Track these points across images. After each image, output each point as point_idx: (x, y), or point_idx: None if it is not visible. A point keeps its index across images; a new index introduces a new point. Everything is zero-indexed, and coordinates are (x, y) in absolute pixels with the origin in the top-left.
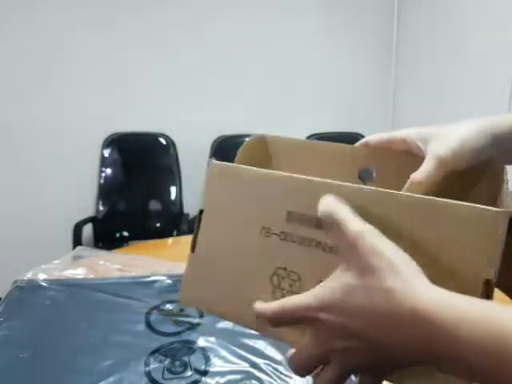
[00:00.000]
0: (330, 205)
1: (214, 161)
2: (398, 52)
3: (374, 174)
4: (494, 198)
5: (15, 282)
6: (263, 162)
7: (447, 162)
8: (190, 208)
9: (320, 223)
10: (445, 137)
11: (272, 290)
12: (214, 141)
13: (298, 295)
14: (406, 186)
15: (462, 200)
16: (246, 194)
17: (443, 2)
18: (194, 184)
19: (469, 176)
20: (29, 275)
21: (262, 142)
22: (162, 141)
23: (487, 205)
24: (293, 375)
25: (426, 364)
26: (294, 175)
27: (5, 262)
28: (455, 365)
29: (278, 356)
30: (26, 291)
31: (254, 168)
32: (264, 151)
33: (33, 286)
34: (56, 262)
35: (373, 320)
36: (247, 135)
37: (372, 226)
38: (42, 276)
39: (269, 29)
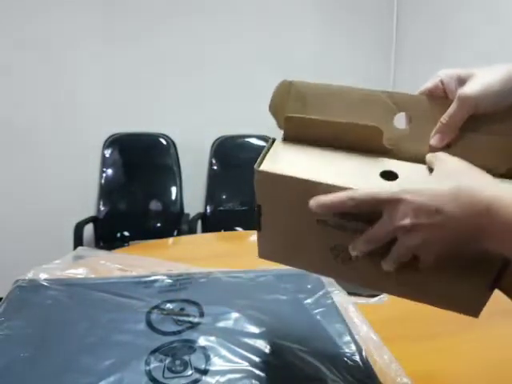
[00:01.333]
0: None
1: (258, 168)
2: (397, 52)
3: (410, 120)
4: None
5: (16, 281)
6: (296, 109)
7: (471, 103)
8: (190, 208)
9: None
10: (473, 80)
11: (333, 257)
12: (214, 141)
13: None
14: (436, 127)
15: (484, 141)
16: (294, 196)
17: (443, 2)
18: (194, 184)
19: (496, 118)
20: (30, 275)
21: (289, 88)
22: (163, 141)
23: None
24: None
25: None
26: (335, 183)
27: (5, 262)
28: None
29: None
30: (27, 291)
31: (297, 176)
32: (295, 98)
33: (34, 286)
34: (57, 261)
35: (451, 197)
36: (247, 135)
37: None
38: (43, 276)
39: (268, 29)
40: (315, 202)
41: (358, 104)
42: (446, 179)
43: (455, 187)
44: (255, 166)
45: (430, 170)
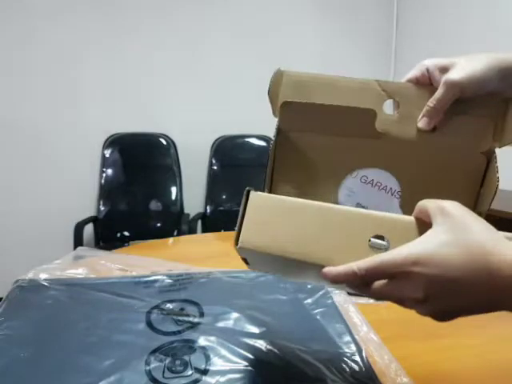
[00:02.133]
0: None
1: (237, 247)
2: (397, 52)
3: (398, 106)
4: (501, 124)
5: (16, 281)
6: (290, 97)
7: (456, 88)
8: (190, 208)
9: None
10: (457, 67)
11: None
12: (214, 141)
13: (387, 252)
14: (423, 111)
15: (468, 123)
16: (280, 264)
17: (443, 1)
18: (194, 184)
19: (478, 102)
20: (30, 275)
21: (283, 77)
22: (163, 141)
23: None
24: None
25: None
26: (324, 263)
27: (6, 262)
28: None
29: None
30: (27, 291)
31: (284, 255)
32: (288, 86)
33: (34, 286)
34: (57, 261)
35: (465, 266)
36: (247, 135)
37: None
38: (43, 276)
39: (269, 29)
40: (327, 274)
41: (349, 92)
42: (456, 242)
43: (468, 253)
44: (234, 239)
45: (424, 221)
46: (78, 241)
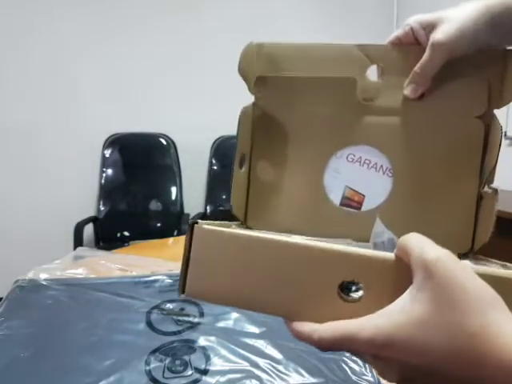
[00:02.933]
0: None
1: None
2: None
3: (382, 72)
4: (497, 83)
5: (16, 281)
6: (267, 70)
7: (445, 50)
8: (190, 208)
9: None
10: (444, 23)
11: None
12: (214, 141)
13: (354, 322)
14: (410, 77)
15: (459, 86)
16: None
17: (443, 2)
18: (194, 184)
19: (469, 61)
20: (30, 275)
21: (257, 50)
22: (163, 141)
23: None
24: (292, 374)
25: None
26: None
27: (6, 262)
28: None
29: (277, 355)
30: (27, 291)
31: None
32: (264, 59)
33: (34, 286)
34: (57, 261)
35: (448, 359)
36: None
37: (449, 251)
38: (43, 276)
39: (267, 29)
40: (291, 331)
41: (328, 60)
42: (440, 324)
43: (454, 342)
44: (179, 284)
45: (406, 263)
46: (78, 241)
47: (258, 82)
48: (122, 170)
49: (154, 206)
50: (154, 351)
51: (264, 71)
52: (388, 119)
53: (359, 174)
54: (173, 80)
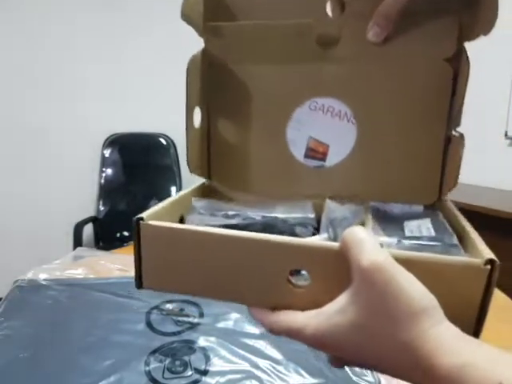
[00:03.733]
0: (354, 230)
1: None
2: None
3: (343, 7)
4: (468, 16)
5: (16, 281)
6: (215, 14)
7: None
8: None
9: None
10: None
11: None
12: None
13: (301, 317)
14: (373, 18)
15: (425, 26)
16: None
17: None
18: (193, 184)
19: None
20: (29, 275)
21: None
22: (162, 141)
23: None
24: (292, 375)
25: None
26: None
27: (5, 262)
28: None
29: (277, 356)
30: (27, 291)
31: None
32: (209, 7)
33: (33, 286)
34: (57, 262)
35: (381, 363)
36: None
37: (390, 257)
38: (42, 276)
39: None
40: (253, 316)
41: (285, 2)
42: (372, 332)
43: (384, 351)
44: (135, 278)
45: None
46: (78, 241)
47: (207, 30)
48: (121, 170)
49: (154, 205)
50: (154, 352)
51: (211, 18)
52: (350, 66)
53: (323, 122)
54: (173, 80)
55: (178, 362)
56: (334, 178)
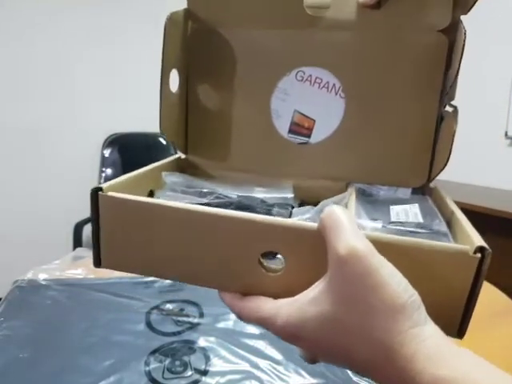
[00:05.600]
0: (334, 211)
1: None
2: None
3: None
4: None
5: (15, 281)
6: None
7: None
8: None
9: None
10: None
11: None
12: None
13: (272, 306)
14: None
15: None
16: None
17: None
18: None
19: None
20: (29, 275)
21: None
22: (162, 141)
23: None
24: (292, 375)
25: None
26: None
27: (5, 262)
28: None
29: (278, 356)
30: (27, 291)
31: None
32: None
33: (33, 286)
34: (56, 262)
35: (353, 362)
36: None
37: (370, 245)
38: (42, 276)
39: None
40: (223, 300)
41: None
42: (343, 327)
43: (356, 351)
44: (93, 256)
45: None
46: (78, 241)
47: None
48: (121, 170)
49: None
50: (154, 352)
51: None
52: (340, 35)
53: (309, 95)
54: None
55: (177, 362)
56: (319, 157)
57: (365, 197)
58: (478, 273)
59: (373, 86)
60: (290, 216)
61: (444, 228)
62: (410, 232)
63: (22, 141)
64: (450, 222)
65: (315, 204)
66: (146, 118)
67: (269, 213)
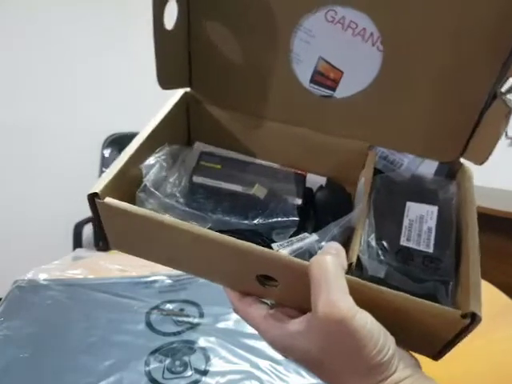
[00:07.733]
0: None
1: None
2: None
3: None
4: None
5: (15, 281)
6: None
7: None
8: None
9: None
10: None
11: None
12: None
13: (264, 323)
14: None
15: None
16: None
17: None
18: None
19: None
20: (29, 275)
21: None
22: None
23: None
24: (292, 375)
25: None
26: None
27: (5, 262)
28: None
29: (277, 356)
30: (27, 291)
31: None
32: None
33: (33, 286)
34: (56, 262)
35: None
36: None
37: (351, 305)
38: (42, 276)
39: None
40: (227, 295)
41: None
42: (317, 355)
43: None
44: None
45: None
46: (78, 241)
47: None
48: None
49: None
50: (154, 352)
51: None
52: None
53: (340, 41)
54: None
55: (177, 362)
56: (342, 113)
57: (382, 182)
58: (463, 332)
59: (418, 41)
60: (294, 234)
61: (450, 266)
62: (413, 281)
63: (22, 140)
64: (460, 244)
65: (326, 175)
66: (146, 118)
67: (269, 234)
